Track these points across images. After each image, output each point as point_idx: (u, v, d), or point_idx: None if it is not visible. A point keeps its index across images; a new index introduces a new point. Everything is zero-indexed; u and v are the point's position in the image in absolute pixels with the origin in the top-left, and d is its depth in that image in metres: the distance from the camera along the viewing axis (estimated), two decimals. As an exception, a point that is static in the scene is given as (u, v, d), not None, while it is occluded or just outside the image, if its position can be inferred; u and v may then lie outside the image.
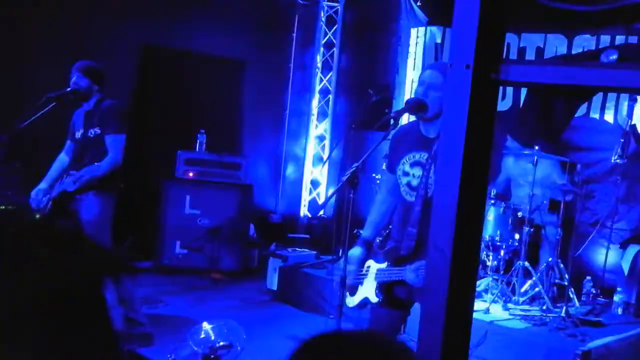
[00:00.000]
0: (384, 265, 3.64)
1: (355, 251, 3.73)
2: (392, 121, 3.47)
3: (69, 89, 5.20)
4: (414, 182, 3.55)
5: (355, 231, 7.37)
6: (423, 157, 3.53)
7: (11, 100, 6.23)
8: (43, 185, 5.33)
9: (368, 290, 3.70)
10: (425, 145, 3.53)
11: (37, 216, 5.30)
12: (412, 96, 3.63)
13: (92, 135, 5.23)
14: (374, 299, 3.66)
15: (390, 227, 4.04)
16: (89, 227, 5.20)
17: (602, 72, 1.46)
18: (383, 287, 3.62)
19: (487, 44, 1.48)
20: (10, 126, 5.11)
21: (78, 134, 5.34)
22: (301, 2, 9.32)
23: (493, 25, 1.48)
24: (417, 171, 3.54)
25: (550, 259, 6.17)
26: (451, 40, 1.56)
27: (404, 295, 3.59)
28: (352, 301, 3.80)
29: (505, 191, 6.73)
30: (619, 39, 6.76)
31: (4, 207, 6.19)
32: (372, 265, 3.70)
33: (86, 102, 5.30)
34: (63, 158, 5.45)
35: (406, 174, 3.60)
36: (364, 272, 3.73)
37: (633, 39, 6.67)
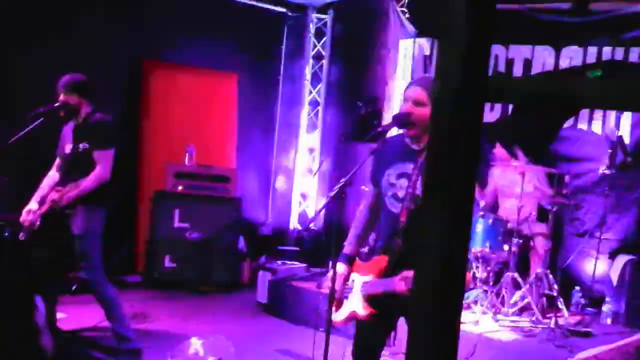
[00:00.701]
0: (368, 277, 3.63)
1: (339, 269, 3.72)
2: (379, 135, 3.47)
3: (57, 104, 5.18)
4: (400, 194, 3.55)
5: (343, 243, 7.41)
6: (409, 168, 3.54)
7: (0, 114, 6.21)
8: (33, 204, 5.30)
9: (354, 303, 3.69)
10: (410, 157, 3.54)
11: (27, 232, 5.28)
12: (399, 110, 3.63)
13: (81, 150, 5.21)
14: (360, 312, 3.65)
15: (374, 239, 4.03)
16: (79, 242, 5.18)
17: (587, 88, 1.46)
18: (369, 300, 3.62)
19: (473, 59, 1.49)
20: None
21: (67, 149, 5.32)
22: (290, 14, 9.35)
23: (478, 41, 1.49)
24: (403, 182, 3.55)
25: (539, 270, 6.18)
26: (437, 56, 1.57)
27: (391, 307, 3.59)
28: (339, 316, 3.79)
29: (493, 202, 6.74)
30: (606, 51, 6.80)
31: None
32: (357, 279, 3.69)
33: (75, 117, 5.28)
34: (53, 175, 5.43)
35: (392, 185, 3.60)
36: (349, 286, 3.72)
37: (619, 51, 6.72)
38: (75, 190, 5.09)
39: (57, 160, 5.45)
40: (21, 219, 5.27)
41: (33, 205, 5.29)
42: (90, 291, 5.33)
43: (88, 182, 5.10)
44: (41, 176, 5.46)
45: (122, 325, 5.31)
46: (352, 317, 3.73)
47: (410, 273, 3.41)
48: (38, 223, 5.24)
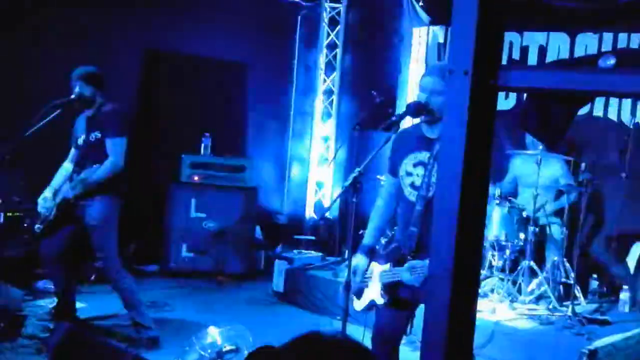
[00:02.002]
0: (387, 266, 3.65)
1: (359, 261, 3.75)
2: (394, 124, 3.48)
3: (73, 96, 5.22)
4: (417, 182, 3.57)
5: (360, 232, 7.41)
6: (425, 156, 3.55)
7: (16, 107, 6.25)
8: (48, 193, 5.35)
9: (373, 292, 3.71)
10: (427, 146, 3.56)
11: (43, 223, 5.34)
12: (415, 98, 3.64)
13: (93, 140, 5.25)
14: (379, 300, 3.68)
15: (394, 229, 4.04)
16: (95, 233, 5.22)
17: (601, 77, 1.46)
18: (387, 288, 3.64)
19: (485, 49, 1.49)
20: (15, 133, 5.12)
21: (80, 140, 5.36)
22: (304, 3, 9.33)
23: (491, 31, 1.49)
24: (420, 171, 3.57)
25: (555, 258, 6.17)
26: (450, 46, 1.57)
27: (409, 295, 3.61)
28: (359, 304, 3.82)
29: (512, 191, 6.73)
30: (622, 38, 6.75)
31: (11, 213, 6.24)
32: (376, 267, 3.72)
33: (89, 109, 5.32)
34: (67, 166, 5.47)
35: (409, 174, 3.63)
36: (368, 275, 3.75)
37: (635, 38, 6.66)
38: (86, 178, 5.13)
39: (72, 152, 5.49)
40: (38, 208, 5.33)
41: (48, 194, 5.34)
42: (108, 281, 5.39)
43: (102, 170, 5.13)
44: (57, 167, 5.51)
45: (140, 314, 5.37)
46: (372, 305, 3.76)
47: (417, 263, 3.44)
48: (53, 213, 5.29)
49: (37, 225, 5.35)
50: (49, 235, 5.34)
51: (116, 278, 5.30)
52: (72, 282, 5.58)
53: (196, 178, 7.86)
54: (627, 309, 6.12)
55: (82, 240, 5.31)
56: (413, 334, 4.12)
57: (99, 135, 5.22)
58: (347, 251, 3.70)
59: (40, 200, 5.33)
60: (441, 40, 8.11)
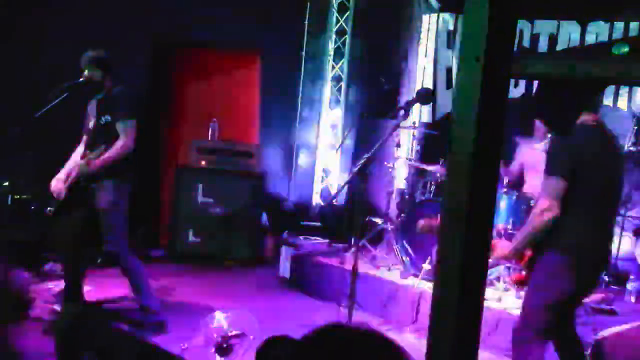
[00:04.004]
0: None
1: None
2: (402, 111, 3.48)
3: (81, 79, 5.23)
4: None
5: (367, 218, 7.41)
6: None
7: (25, 90, 6.26)
8: (61, 174, 5.37)
9: None
10: None
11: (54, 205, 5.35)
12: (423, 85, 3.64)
13: (103, 122, 5.27)
14: None
15: None
16: (105, 216, 5.24)
17: (614, 64, 1.45)
18: None
19: (497, 36, 1.48)
20: (24, 116, 5.14)
21: (91, 123, 5.38)
22: (313, -11, 9.29)
23: (504, 18, 1.48)
24: None
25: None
26: (461, 33, 1.55)
27: None
28: None
29: (519, 178, 6.70)
30: (633, 26, 6.70)
31: (18, 196, 6.26)
32: None
33: (99, 93, 5.34)
34: (81, 152, 5.49)
35: None
36: None
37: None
38: (97, 159, 5.14)
39: (84, 137, 5.50)
40: (51, 188, 5.35)
41: (61, 176, 5.36)
42: (116, 265, 5.41)
43: (112, 151, 5.15)
44: (66, 151, 5.52)
45: (147, 298, 5.39)
46: None
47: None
48: (63, 194, 5.30)
49: (48, 208, 5.37)
50: (60, 217, 5.36)
51: (125, 262, 5.32)
52: (81, 265, 5.61)
53: (203, 163, 7.87)
54: (633, 300, 6.11)
55: (92, 223, 5.33)
56: (419, 321, 4.14)
57: (109, 118, 5.24)
58: (353, 238, 3.68)
59: (52, 182, 5.35)
60: (451, 28, 8.07)
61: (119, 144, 5.17)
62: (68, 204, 5.33)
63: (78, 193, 5.30)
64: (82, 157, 5.33)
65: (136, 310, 5.45)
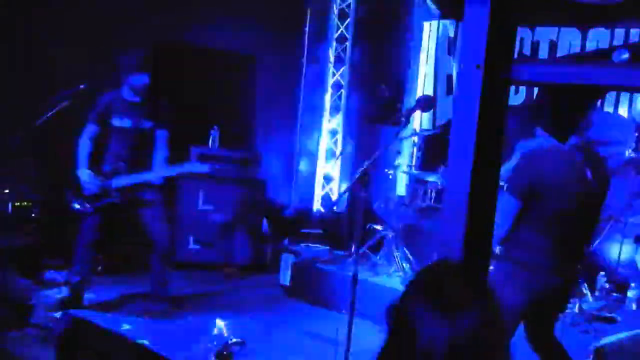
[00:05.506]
0: None
1: None
2: (403, 119, 3.48)
3: (82, 86, 5.27)
4: None
5: (368, 226, 7.40)
6: None
7: (25, 92, 6.26)
8: (88, 171, 5.41)
9: None
10: None
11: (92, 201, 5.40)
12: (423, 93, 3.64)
13: (142, 128, 5.40)
14: None
15: None
16: (169, 227, 5.83)
17: (613, 71, 1.45)
18: None
19: (497, 44, 1.48)
20: (25, 123, 5.14)
21: (125, 123, 5.45)
22: (313, -4, 9.30)
23: (503, 26, 1.48)
24: None
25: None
26: (462, 41, 1.56)
27: None
28: None
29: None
30: (634, 33, 6.70)
31: (19, 203, 6.26)
32: None
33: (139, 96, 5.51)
34: (87, 143, 5.49)
35: None
36: None
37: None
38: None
39: (91, 127, 5.50)
40: (84, 186, 5.37)
41: (87, 170, 5.40)
42: (164, 266, 5.83)
43: (167, 167, 5.42)
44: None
45: (165, 292, 5.89)
46: None
47: None
48: (114, 195, 5.39)
49: (77, 206, 5.38)
50: (96, 215, 5.43)
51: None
52: (91, 270, 5.72)
53: (204, 170, 7.85)
54: (634, 307, 6.09)
55: (104, 229, 5.47)
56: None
57: (150, 124, 5.36)
58: (354, 245, 3.68)
59: (85, 178, 5.36)
60: (452, 35, 8.07)
61: (166, 158, 5.69)
62: (109, 207, 5.64)
63: (130, 197, 5.65)
64: (118, 157, 5.49)
65: (135, 311, 5.67)
